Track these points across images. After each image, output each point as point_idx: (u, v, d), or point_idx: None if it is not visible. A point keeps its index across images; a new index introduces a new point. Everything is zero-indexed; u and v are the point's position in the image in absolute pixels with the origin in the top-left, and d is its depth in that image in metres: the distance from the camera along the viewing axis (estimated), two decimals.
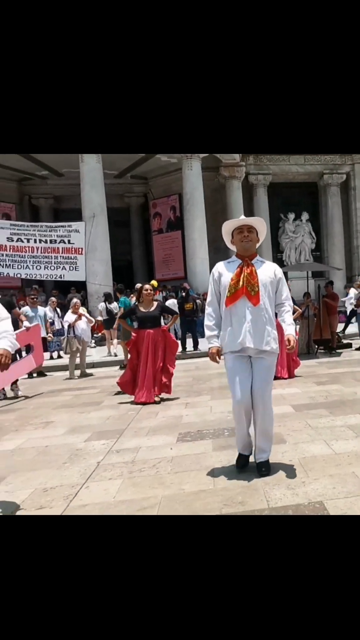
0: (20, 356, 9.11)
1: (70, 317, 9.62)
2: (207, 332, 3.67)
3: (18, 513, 3.20)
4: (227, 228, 3.76)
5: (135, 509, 3.12)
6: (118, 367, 10.63)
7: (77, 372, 9.82)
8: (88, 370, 10.15)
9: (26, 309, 10.52)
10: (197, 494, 3.30)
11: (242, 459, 3.76)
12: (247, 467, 3.72)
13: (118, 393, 7.55)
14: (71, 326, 9.50)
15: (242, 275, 3.52)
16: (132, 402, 6.59)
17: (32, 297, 11.08)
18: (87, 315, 10.03)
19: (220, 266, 3.72)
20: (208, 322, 3.68)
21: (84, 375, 9.81)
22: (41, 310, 10.84)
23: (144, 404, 6.46)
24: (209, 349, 3.62)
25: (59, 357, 11.96)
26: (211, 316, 3.67)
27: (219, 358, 3.62)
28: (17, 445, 4.89)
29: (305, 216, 22.00)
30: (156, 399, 6.60)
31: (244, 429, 3.66)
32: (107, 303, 12.41)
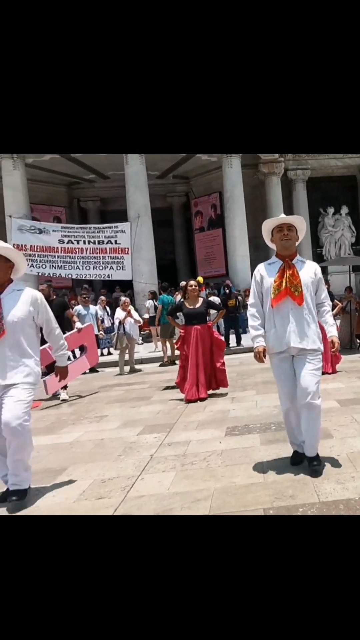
0: (74, 357, 9.24)
1: (120, 314, 9.77)
2: (252, 332, 3.65)
3: (79, 503, 3.31)
4: (267, 226, 3.72)
5: (189, 500, 3.18)
6: (159, 364, 10.74)
7: (127, 368, 9.97)
8: (137, 366, 10.30)
9: (79, 307, 10.73)
10: (248, 487, 3.33)
11: (297, 456, 3.73)
12: (299, 463, 3.68)
13: (166, 388, 7.65)
14: (121, 323, 9.63)
15: (284, 277, 3.49)
16: (183, 400, 6.49)
17: (84, 296, 11.27)
18: (136, 314, 10.15)
19: (261, 268, 3.70)
20: (253, 322, 3.65)
21: (133, 371, 9.95)
22: (92, 309, 11.03)
23: (191, 401, 6.38)
24: (255, 348, 3.59)
25: (109, 353, 12.17)
26: (255, 317, 3.64)
27: (264, 357, 3.61)
28: (75, 438, 5.03)
29: (344, 210, 21.50)
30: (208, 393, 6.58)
31: (293, 427, 3.67)
32: (153, 301, 12.53)
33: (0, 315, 3.34)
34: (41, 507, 3.28)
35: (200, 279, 13.79)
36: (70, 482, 3.72)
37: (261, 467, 3.68)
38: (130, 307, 10.11)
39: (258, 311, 3.64)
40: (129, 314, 9.80)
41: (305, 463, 3.60)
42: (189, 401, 6.38)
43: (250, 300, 3.74)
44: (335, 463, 3.65)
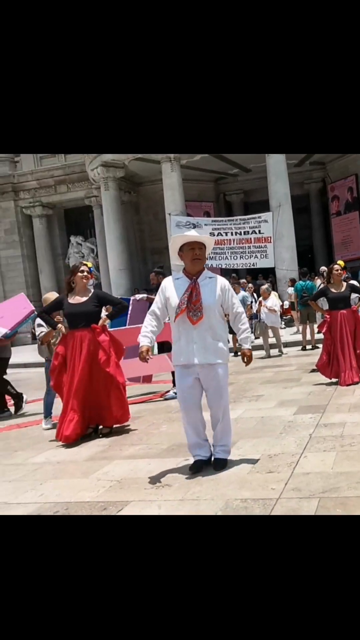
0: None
1: (271, 301, 9.80)
2: None
3: (252, 475, 3.49)
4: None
5: (354, 481, 3.18)
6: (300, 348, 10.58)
7: (274, 351, 9.98)
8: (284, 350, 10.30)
9: (245, 294, 11.07)
10: None
11: None
12: None
13: (313, 370, 7.57)
14: (257, 312, 9.64)
15: None
16: (336, 383, 6.26)
17: (233, 283, 11.46)
18: (272, 300, 10.07)
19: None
20: None
21: (281, 353, 9.95)
22: (241, 294, 11.11)
23: (348, 385, 6.09)
24: None
25: (257, 338, 12.30)
26: None
27: None
28: (239, 415, 5.25)
29: None
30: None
31: None
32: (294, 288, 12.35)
33: (200, 301, 3.49)
34: (220, 476, 3.52)
35: (341, 262, 13.21)
36: (242, 455, 3.91)
37: None
38: (273, 294, 10.06)
39: None
40: (260, 304, 9.80)
41: None
42: (346, 385, 6.11)
43: None
44: None
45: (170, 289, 3.60)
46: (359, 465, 3.46)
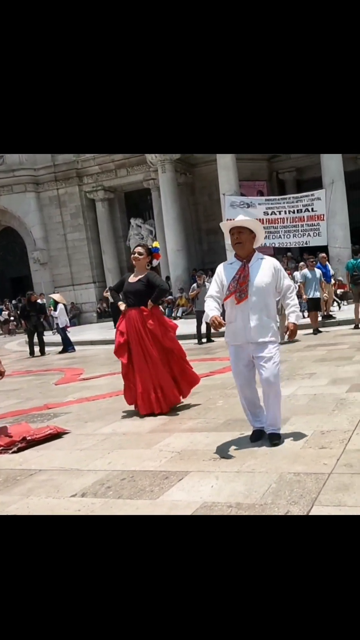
0: None
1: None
2: None
3: (305, 450, 3.51)
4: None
5: None
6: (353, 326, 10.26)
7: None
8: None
9: (305, 271, 10.68)
10: None
11: None
12: None
13: None
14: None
15: None
16: None
17: (312, 260, 11.01)
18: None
19: None
20: None
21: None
22: (317, 272, 10.72)
23: None
24: None
25: (303, 317, 12.07)
26: None
27: None
28: (291, 392, 5.24)
29: None
30: None
31: None
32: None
33: (247, 281, 3.52)
34: (275, 450, 3.57)
35: None
36: (295, 430, 3.94)
37: None
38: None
39: None
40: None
41: None
42: None
43: None
44: None
45: (223, 274, 3.66)
46: None
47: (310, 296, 10.33)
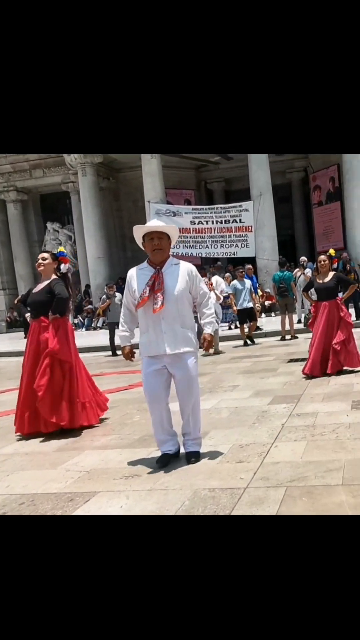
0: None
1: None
2: None
3: (222, 465, 3.53)
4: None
5: (322, 470, 3.25)
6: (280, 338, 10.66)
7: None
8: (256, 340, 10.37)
9: (235, 282, 10.75)
10: None
11: None
12: None
13: (290, 361, 7.66)
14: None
15: None
16: (307, 377, 6.23)
17: (241, 271, 11.14)
18: (221, 286, 10.06)
19: None
20: None
21: (216, 352, 9.44)
22: (247, 282, 10.85)
23: (314, 376, 6.12)
24: None
25: (236, 327, 12.36)
26: None
27: None
28: (213, 405, 5.29)
29: None
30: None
31: None
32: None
33: (162, 288, 3.44)
34: (190, 466, 3.55)
35: (332, 251, 13.23)
36: (213, 445, 3.95)
37: None
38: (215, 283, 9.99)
39: None
40: (211, 289, 9.49)
41: None
42: (313, 376, 6.14)
43: None
44: None
45: (134, 280, 3.58)
46: (327, 454, 3.52)
47: (240, 307, 10.49)
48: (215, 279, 11.28)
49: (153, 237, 3.51)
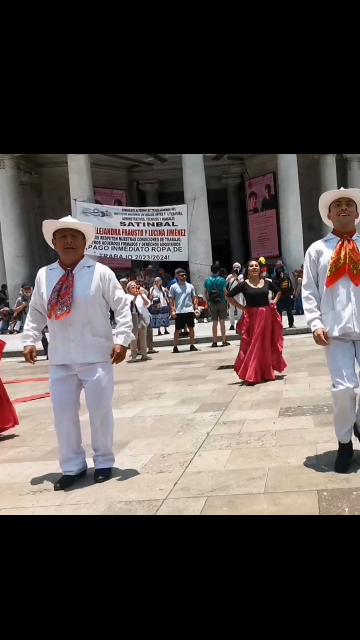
0: None
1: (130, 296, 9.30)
2: (308, 316, 3.27)
3: (142, 476, 3.44)
4: (324, 200, 3.32)
5: (244, 478, 3.25)
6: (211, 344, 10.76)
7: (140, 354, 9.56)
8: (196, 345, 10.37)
9: (176, 285, 10.59)
10: (301, 468, 3.36)
11: (346, 453, 3.34)
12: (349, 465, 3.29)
13: (221, 367, 7.72)
14: (133, 304, 9.11)
15: (343, 252, 3.11)
16: (242, 383, 6.33)
17: (182, 274, 10.98)
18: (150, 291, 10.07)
19: (318, 245, 3.32)
20: (308, 305, 3.26)
21: (144, 359, 9.44)
22: (189, 286, 10.74)
23: (251, 383, 6.18)
24: (314, 332, 3.23)
25: (166, 332, 12.34)
26: (310, 299, 3.26)
27: (326, 339, 3.19)
28: (136, 413, 5.20)
29: None
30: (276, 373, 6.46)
31: (349, 418, 3.25)
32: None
33: (70, 292, 3.26)
34: (108, 480, 3.42)
35: (262, 259, 13.57)
36: (133, 456, 3.86)
37: (315, 449, 3.69)
38: (142, 289, 9.91)
39: (313, 293, 3.28)
40: (138, 293, 9.48)
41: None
42: (252, 383, 6.17)
43: (304, 280, 3.35)
44: None
45: (43, 282, 3.38)
46: (252, 462, 3.53)
47: (179, 312, 10.37)
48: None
49: (66, 234, 3.31)
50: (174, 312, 10.45)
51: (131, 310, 8.60)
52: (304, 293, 3.32)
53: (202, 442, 4.06)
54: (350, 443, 3.36)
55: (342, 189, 3.41)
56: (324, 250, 3.26)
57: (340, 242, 3.19)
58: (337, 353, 3.21)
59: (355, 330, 3.14)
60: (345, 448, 3.36)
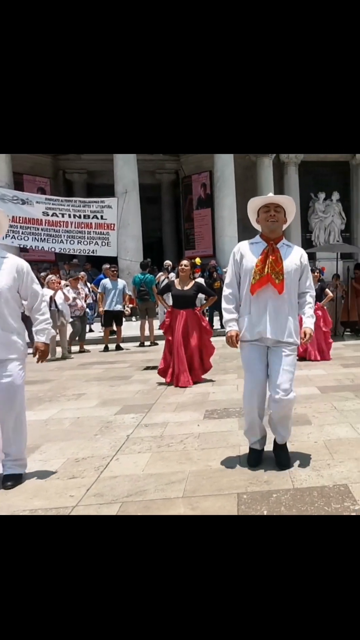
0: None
1: (48, 291, 9.01)
2: (226, 315, 3.41)
3: (51, 482, 3.29)
4: (253, 205, 3.45)
5: (163, 482, 3.18)
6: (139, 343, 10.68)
7: (59, 351, 9.32)
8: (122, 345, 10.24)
9: (106, 281, 10.33)
10: (223, 471, 3.34)
11: (255, 455, 3.49)
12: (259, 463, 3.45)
13: (147, 368, 7.63)
14: (52, 299, 8.89)
15: (267, 262, 3.26)
16: (168, 384, 6.29)
17: (113, 269, 10.72)
18: (75, 289, 9.91)
19: (243, 246, 3.44)
20: (227, 304, 3.41)
21: (64, 357, 9.18)
22: (120, 282, 10.53)
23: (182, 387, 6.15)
24: (227, 332, 3.39)
25: (91, 330, 12.08)
26: (229, 299, 3.41)
27: (237, 343, 3.37)
28: (51, 415, 5.00)
29: (335, 196, 21.41)
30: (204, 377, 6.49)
31: (256, 420, 3.45)
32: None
33: None
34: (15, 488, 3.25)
35: (197, 260, 13.60)
36: (43, 460, 3.69)
37: (238, 452, 3.69)
38: (64, 284, 9.69)
39: (233, 293, 3.42)
40: (58, 288, 9.25)
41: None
42: (181, 387, 6.13)
43: (227, 280, 3.50)
44: (311, 450, 3.68)
45: None
46: (172, 466, 3.47)
47: (108, 308, 10.13)
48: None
49: None
50: (101, 309, 10.24)
51: (50, 307, 8.49)
52: (225, 292, 3.47)
53: (120, 446, 3.96)
54: (261, 441, 3.54)
55: (270, 194, 3.57)
56: (249, 254, 3.39)
57: (265, 251, 3.33)
58: (251, 359, 3.41)
59: (269, 337, 3.29)
60: (255, 452, 3.53)
